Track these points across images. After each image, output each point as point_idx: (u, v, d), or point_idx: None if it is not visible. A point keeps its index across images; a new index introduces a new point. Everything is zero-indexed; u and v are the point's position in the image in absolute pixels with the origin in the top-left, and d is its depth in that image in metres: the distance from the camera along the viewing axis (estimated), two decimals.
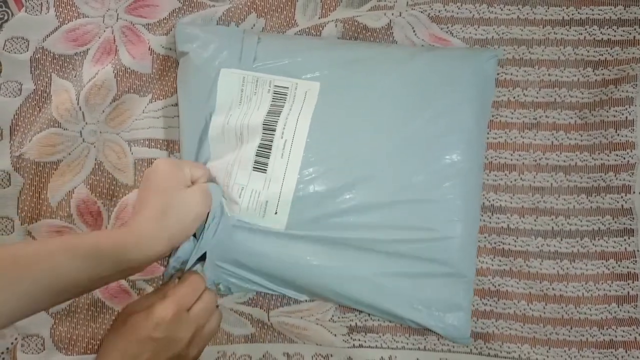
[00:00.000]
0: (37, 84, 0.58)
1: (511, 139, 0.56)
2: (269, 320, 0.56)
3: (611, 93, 0.55)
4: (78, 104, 0.56)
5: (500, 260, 0.55)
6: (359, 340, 0.56)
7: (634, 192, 0.54)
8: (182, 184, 0.46)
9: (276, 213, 0.50)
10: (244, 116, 0.52)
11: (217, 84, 0.53)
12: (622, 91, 0.54)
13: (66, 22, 0.58)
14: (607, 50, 0.56)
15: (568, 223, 0.55)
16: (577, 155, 0.55)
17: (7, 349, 0.57)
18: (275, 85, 0.53)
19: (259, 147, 0.51)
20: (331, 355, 0.56)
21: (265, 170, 0.51)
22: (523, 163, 0.56)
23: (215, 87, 0.53)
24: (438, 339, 0.55)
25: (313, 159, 0.51)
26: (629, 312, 0.54)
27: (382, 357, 0.56)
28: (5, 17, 0.58)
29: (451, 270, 0.51)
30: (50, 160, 0.56)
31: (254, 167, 0.51)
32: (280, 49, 0.54)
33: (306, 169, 0.51)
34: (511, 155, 0.56)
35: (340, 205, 0.51)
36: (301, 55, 0.54)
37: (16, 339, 0.57)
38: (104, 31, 0.57)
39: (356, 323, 0.56)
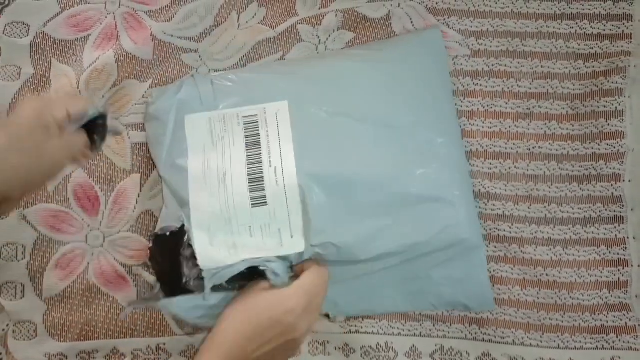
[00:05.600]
0: (37, 69, 0.58)
1: (505, 128, 0.57)
2: None
3: (601, 84, 0.57)
4: (78, 88, 0.56)
5: (495, 247, 0.56)
6: (356, 326, 0.56)
7: (623, 181, 0.56)
8: (45, 134, 0.42)
9: (292, 237, 0.50)
10: (222, 157, 0.52)
11: (185, 132, 0.52)
12: (612, 83, 0.56)
13: (68, 7, 0.58)
14: (597, 44, 0.58)
15: (561, 210, 0.56)
16: (569, 144, 0.57)
17: None
18: (244, 116, 0.52)
19: (249, 182, 0.51)
20: (328, 342, 0.56)
21: (266, 202, 0.50)
22: (517, 152, 0.57)
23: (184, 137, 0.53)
24: (433, 325, 0.56)
25: (308, 173, 0.51)
26: (619, 297, 0.55)
27: (378, 343, 0.56)
28: (6, 2, 0.58)
29: (463, 244, 0.52)
30: None
31: (252, 204, 0.50)
32: (236, 85, 0.54)
33: (304, 185, 0.51)
34: (505, 144, 0.57)
35: (349, 211, 0.51)
36: (260, 85, 0.54)
37: (8, 325, 0.56)
38: (106, 17, 0.58)
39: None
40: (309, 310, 0.45)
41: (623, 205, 0.56)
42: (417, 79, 0.55)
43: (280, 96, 0.53)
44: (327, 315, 0.55)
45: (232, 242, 0.49)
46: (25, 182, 0.42)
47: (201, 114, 0.53)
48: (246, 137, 0.52)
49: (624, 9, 0.57)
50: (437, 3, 0.58)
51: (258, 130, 0.52)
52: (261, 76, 0.55)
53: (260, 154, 0.51)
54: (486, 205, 0.56)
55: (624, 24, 0.57)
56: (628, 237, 0.55)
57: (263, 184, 0.51)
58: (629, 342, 0.54)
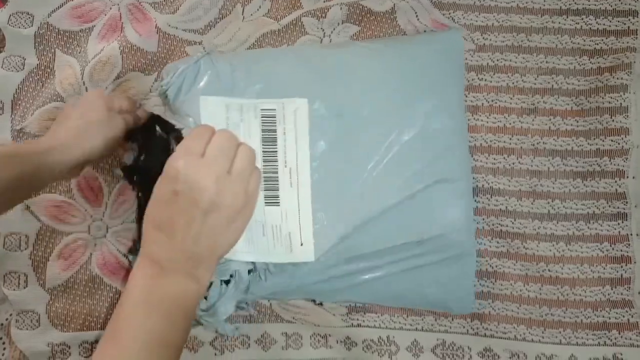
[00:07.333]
0: (41, 59, 0.58)
1: (510, 124, 0.57)
2: (269, 301, 0.56)
3: (606, 80, 0.56)
4: (82, 79, 0.56)
5: (498, 242, 0.56)
6: (358, 319, 0.56)
7: (627, 177, 0.56)
8: (105, 109, 0.50)
9: (302, 244, 0.50)
10: None
11: (200, 113, 0.50)
12: (617, 79, 0.56)
13: None
14: (602, 40, 0.57)
15: (564, 206, 0.56)
16: (573, 140, 0.57)
17: (2, 324, 0.56)
18: (262, 109, 0.51)
19: (265, 180, 0.50)
20: (329, 335, 0.56)
21: (278, 202, 0.50)
22: (521, 147, 0.57)
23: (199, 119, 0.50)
24: (435, 320, 0.56)
25: (320, 176, 0.51)
26: (622, 294, 0.55)
27: (380, 337, 0.56)
28: None
29: (455, 250, 0.52)
30: None
31: (265, 202, 0.50)
32: (257, 70, 0.53)
33: (317, 190, 0.51)
34: (510, 139, 0.57)
35: (358, 216, 0.51)
36: (280, 74, 0.53)
37: (11, 314, 0.56)
38: (110, 9, 0.58)
39: (355, 303, 0.56)
40: (198, 165, 0.38)
41: (627, 202, 0.55)
42: (433, 77, 0.54)
43: (298, 89, 0.52)
44: (313, 301, 0.56)
45: (249, 236, 0.49)
46: (105, 148, 0.50)
47: (218, 98, 0.51)
48: (263, 131, 0.51)
49: (629, 4, 0.57)
50: None
51: (275, 126, 0.51)
52: (280, 63, 0.53)
53: (276, 152, 0.51)
54: (489, 200, 0.56)
55: (629, 19, 0.57)
56: (631, 234, 0.55)
57: (277, 184, 0.50)
58: (631, 339, 0.54)
